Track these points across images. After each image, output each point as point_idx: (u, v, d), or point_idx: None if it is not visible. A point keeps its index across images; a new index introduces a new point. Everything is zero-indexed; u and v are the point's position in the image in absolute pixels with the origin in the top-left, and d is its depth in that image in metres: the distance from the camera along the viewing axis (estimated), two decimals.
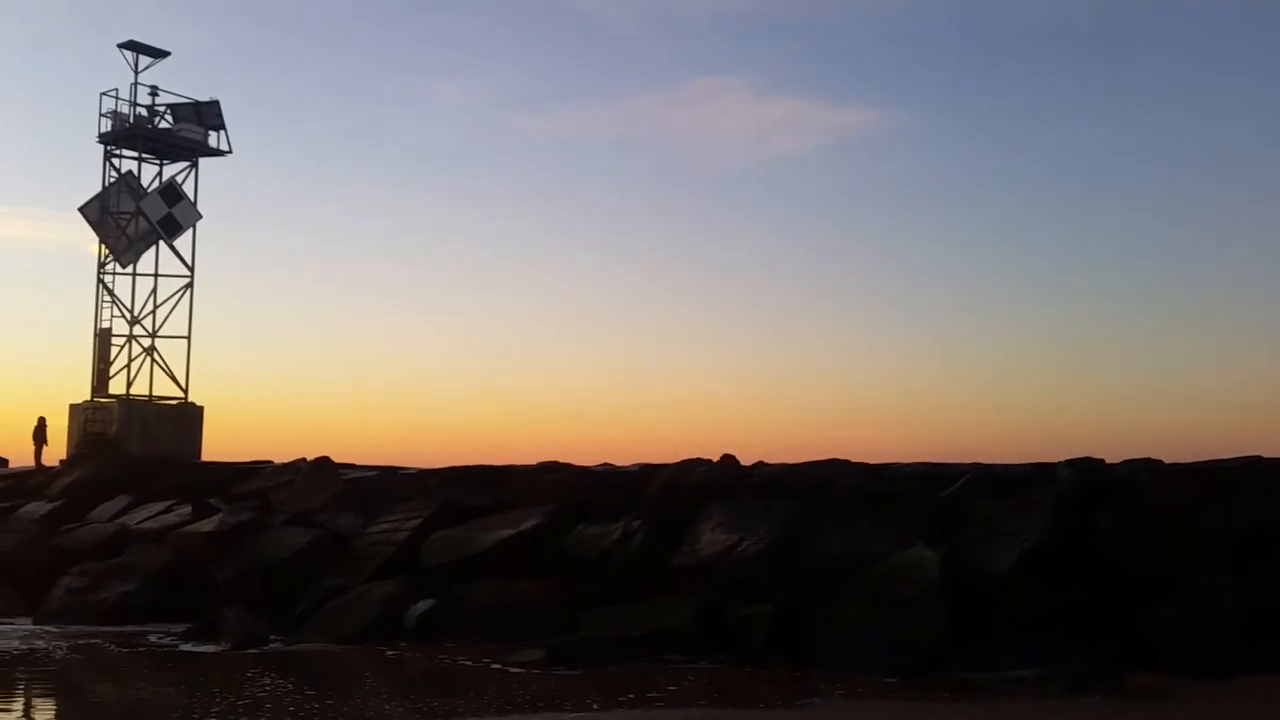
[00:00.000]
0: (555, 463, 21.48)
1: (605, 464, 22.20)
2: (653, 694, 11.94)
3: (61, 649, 15.76)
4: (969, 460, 17.91)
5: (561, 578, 16.30)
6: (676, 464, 18.90)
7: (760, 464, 18.89)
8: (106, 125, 30.36)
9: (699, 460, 18.81)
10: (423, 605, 16.26)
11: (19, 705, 12.87)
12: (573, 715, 11.01)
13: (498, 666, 13.78)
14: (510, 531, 17.50)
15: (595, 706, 11.42)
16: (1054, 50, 62.02)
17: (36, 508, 23.41)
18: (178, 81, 37.85)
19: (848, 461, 17.91)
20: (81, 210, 30.35)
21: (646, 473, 19.64)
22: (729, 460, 18.95)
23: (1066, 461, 15.84)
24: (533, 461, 21.61)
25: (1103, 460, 15.98)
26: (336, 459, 24.13)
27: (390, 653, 15.04)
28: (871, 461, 18.22)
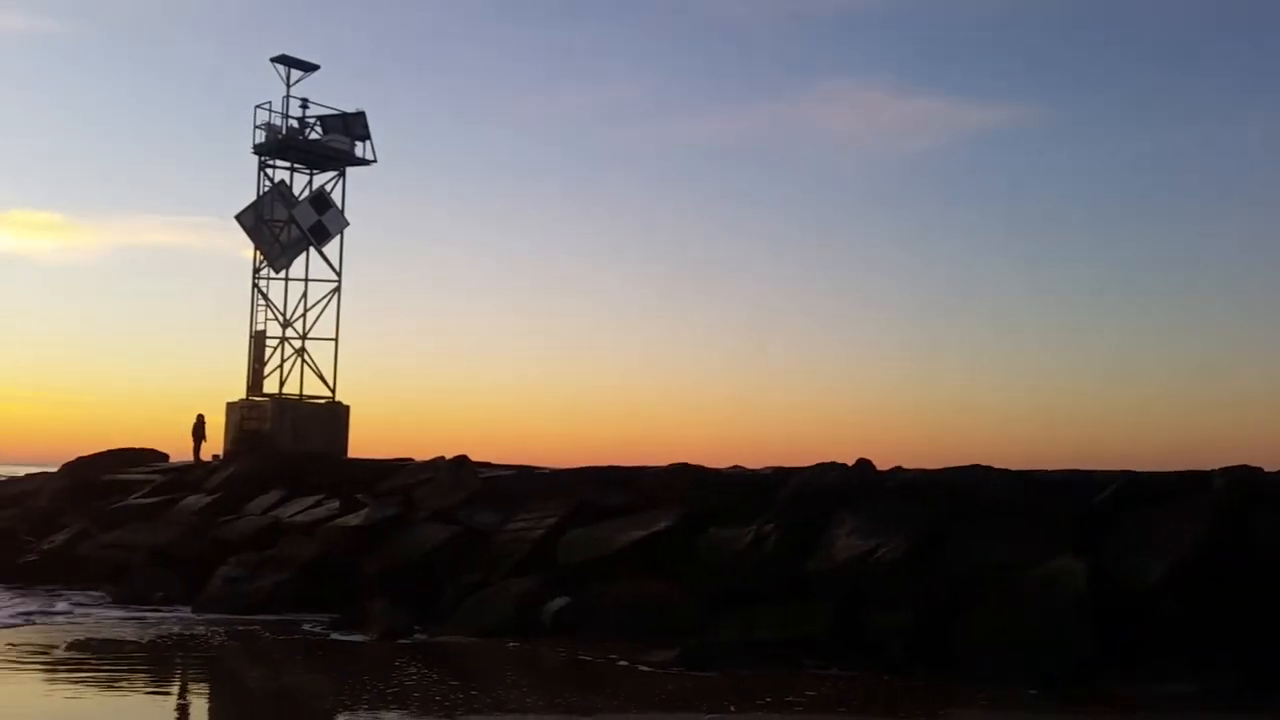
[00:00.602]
0: (686, 464, 21.57)
1: (736, 466, 22.21)
2: (790, 698, 11.89)
3: (219, 635, 16.63)
4: (1113, 468, 17.32)
5: (693, 579, 16.36)
6: (810, 467, 18.77)
7: (897, 469, 18.61)
8: (260, 137, 31.90)
9: (833, 464, 18.64)
10: (558, 602, 16.55)
11: (179, 687, 13.67)
12: (710, 717, 11.03)
13: (632, 665, 13.91)
14: (643, 532, 17.66)
15: (732, 709, 11.43)
16: (1198, 41, 59.26)
17: (195, 500, 24.67)
18: (326, 93, 39.52)
19: (990, 468, 17.48)
20: (238, 218, 31.95)
21: (779, 476, 19.55)
22: (864, 464, 18.73)
23: (1221, 470, 15.16)
24: (663, 463, 21.80)
25: (1260, 468, 15.24)
26: (474, 458, 24.78)
27: (527, 648, 15.35)
28: (1014, 468, 17.77)
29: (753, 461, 22.16)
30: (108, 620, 17.90)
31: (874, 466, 18.85)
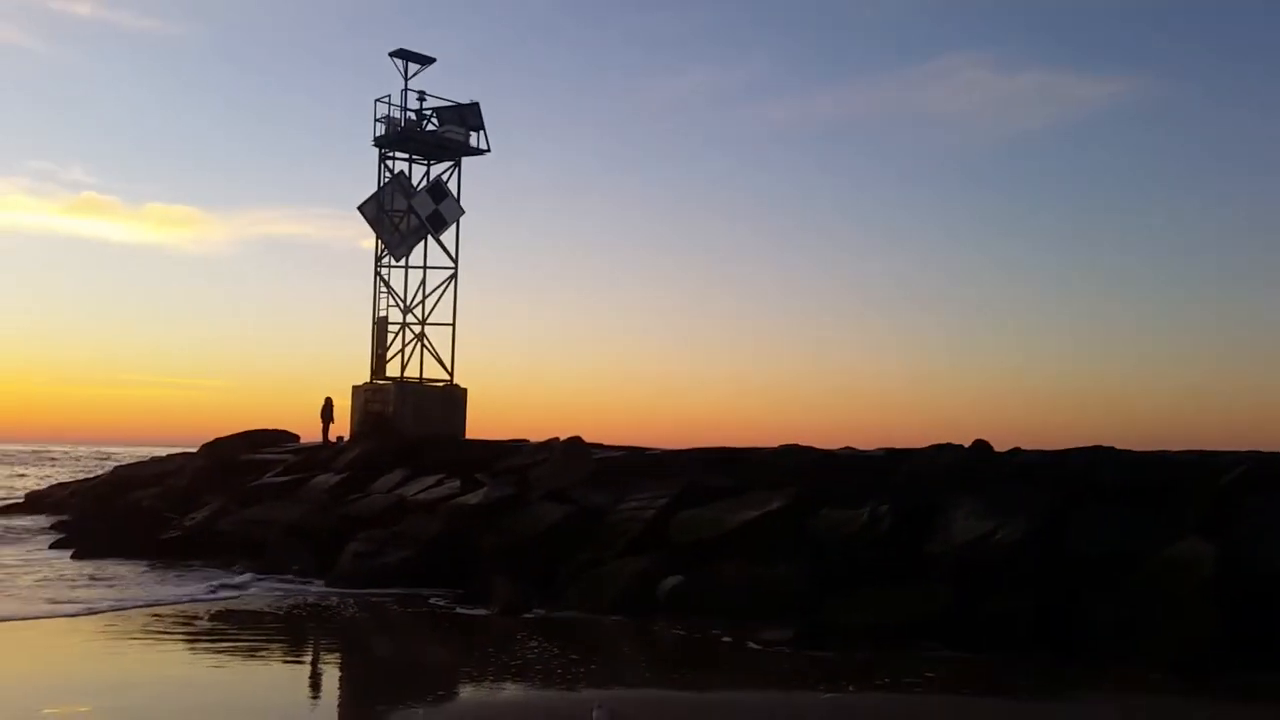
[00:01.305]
0: (796, 445, 21.59)
1: (847, 448, 22.13)
2: (908, 679, 11.89)
3: (351, 607, 17.41)
4: (1239, 448, 16.74)
5: (806, 560, 16.42)
6: (925, 449, 18.62)
7: (1016, 450, 18.31)
8: (380, 130, 32.91)
9: (949, 445, 18.45)
10: (672, 581, 16.81)
11: (313, 654, 14.39)
12: (827, 695, 11.13)
13: (746, 643, 14.07)
14: (755, 513, 17.77)
15: (850, 689, 11.50)
16: None
17: (325, 479, 25.72)
18: (442, 85, 40.51)
19: (1112, 449, 17.07)
20: (360, 209, 33.04)
21: (892, 458, 19.43)
22: (981, 446, 18.48)
23: None
24: (773, 444, 21.85)
25: None
26: (586, 439, 25.22)
27: (642, 625, 15.65)
28: (1137, 449, 17.33)
29: (865, 443, 22.06)
30: (266, 593, 18.84)
31: (991, 448, 18.58)
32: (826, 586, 15.60)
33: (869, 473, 18.53)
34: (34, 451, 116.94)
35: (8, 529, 27.95)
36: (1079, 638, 13.23)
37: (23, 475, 63.79)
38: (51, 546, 24.54)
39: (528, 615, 16.46)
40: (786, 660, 13.06)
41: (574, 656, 13.26)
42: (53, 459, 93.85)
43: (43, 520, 29.93)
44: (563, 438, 25.11)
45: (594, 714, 9.14)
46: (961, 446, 18.56)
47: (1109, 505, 14.95)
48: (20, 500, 38.18)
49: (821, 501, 17.51)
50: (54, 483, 45.11)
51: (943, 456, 18.06)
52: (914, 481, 17.27)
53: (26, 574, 20.41)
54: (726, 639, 14.37)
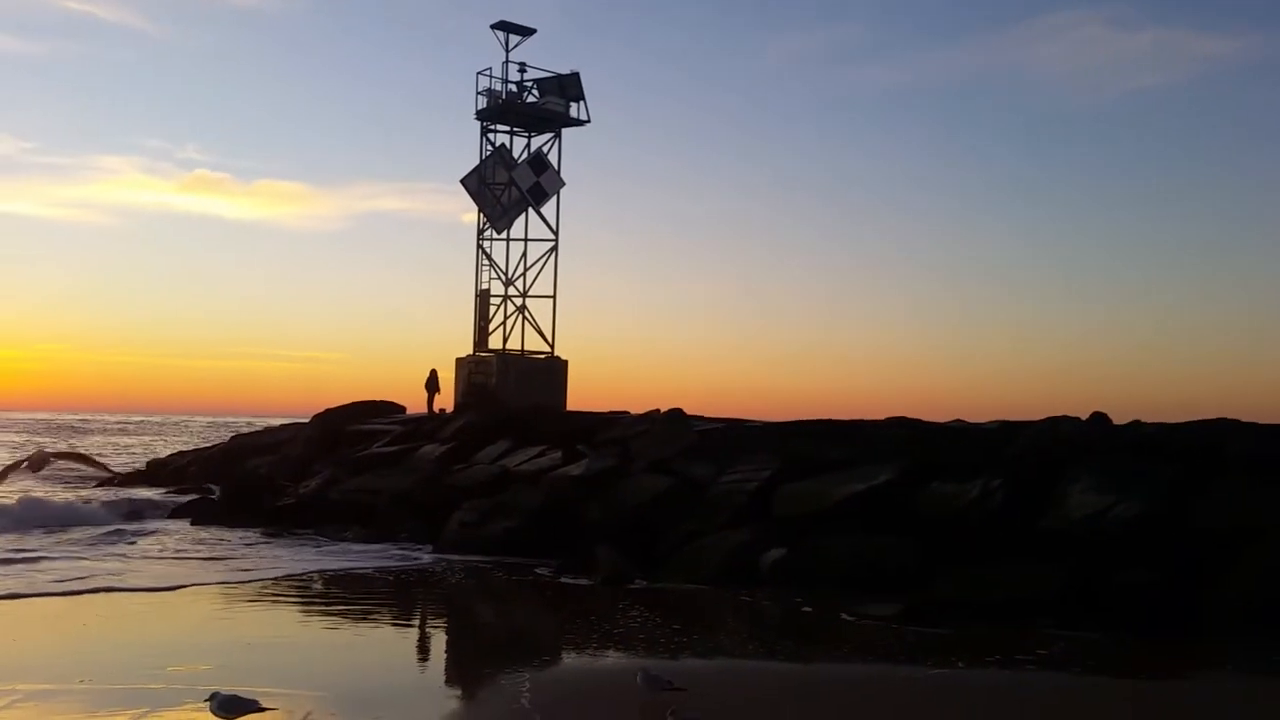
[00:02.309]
0: (904, 418, 21.14)
1: (958, 420, 21.59)
2: (1020, 656, 11.55)
3: (457, 574, 17.70)
4: None
5: (913, 534, 16.07)
6: (1040, 422, 18.03)
7: (1135, 423, 17.61)
8: (482, 103, 33.17)
9: (1065, 418, 17.82)
10: (775, 553, 16.63)
11: (421, 619, 14.66)
12: (936, 671, 10.87)
13: (851, 618, 13.86)
14: (862, 486, 17.47)
15: (960, 665, 11.22)
16: None
17: (431, 449, 26.17)
18: (542, 56, 40.61)
19: (1238, 422, 16.26)
20: (463, 182, 33.43)
21: (1005, 430, 18.88)
22: (1099, 418, 17.82)
23: None
24: (880, 417, 21.44)
25: None
26: (687, 411, 25.15)
27: (745, 597, 15.54)
28: (1265, 422, 16.47)
29: (976, 416, 21.49)
30: (375, 559, 19.29)
31: (1109, 420, 17.89)
32: (935, 562, 15.23)
33: (980, 446, 18.03)
34: (157, 422, 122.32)
35: (131, 498, 29.21)
36: (1201, 616, 12.68)
37: (148, 443, 66.70)
38: (170, 515, 25.51)
39: (629, 586, 16.49)
40: (892, 635, 12.80)
41: (675, 626, 13.22)
42: (173, 429, 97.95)
43: (161, 489, 31.15)
44: (664, 410, 25.09)
45: (638, 677, 9.11)
46: (1078, 419, 17.91)
47: (1233, 479, 14.24)
48: (142, 468, 39.86)
49: (931, 475, 17.10)
50: (174, 451, 46.99)
51: (1058, 429, 17.46)
52: (1028, 455, 16.72)
53: (148, 541, 21.26)
54: (831, 613, 14.16)
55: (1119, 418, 18.03)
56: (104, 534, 21.83)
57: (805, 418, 22.96)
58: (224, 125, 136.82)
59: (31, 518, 23.12)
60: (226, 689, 8.28)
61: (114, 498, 28.06)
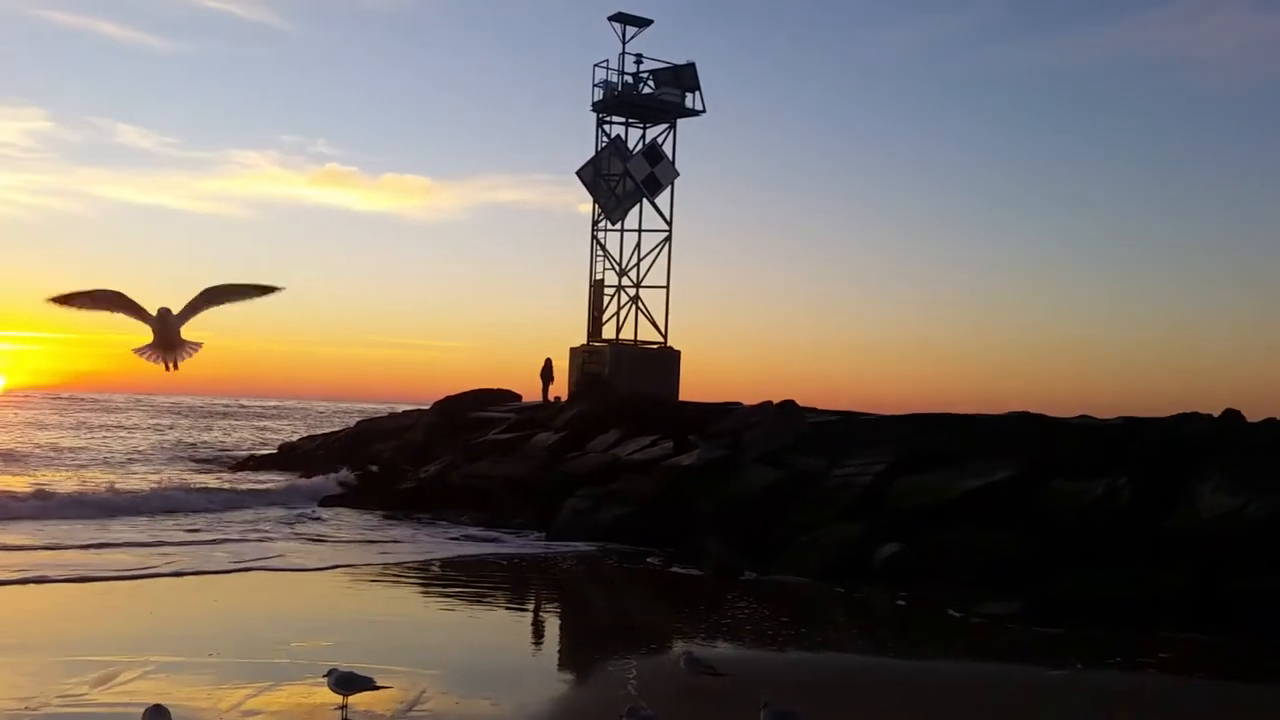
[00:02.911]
0: (1025, 413, 20.55)
1: (1082, 416, 20.87)
2: (1142, 659, 11.16)
3: (568, 560, 17.98)
4: None
5: (1033, 532, 15.63)
6: (1168, 419, 17.32)
7: (1270, 420, 16.76)
8: (598, 95, 33.43)
9: (1194, 415, 17.08)
10: (889, 548, 16.40)
11: (534, 603, 14.94)
12: (1055, 673, 10.57)
13: (966, 615, 13.59)
14: (980, 481, 17.07)
15: (1078, 665, 10.91)
16: None
17: (545, 437, 26.57)
18: (658, 47, 40.70)
19: None
20: (579, 174, 33.79)
21: (1131, 426, 18.19)
22: (1232, 416, 17.02)
23: None
24: (1000, 411, 20.89)
25: None
26: (800, 403, 24.91)
27: (857, 592, 15.38)
28: None
29: (1101, 411, 20.73)
30: (490, 543, 19.77)
31: (1243, 418, 17.07)
32: (1056, 560, 14.80)
33: (1105, 442, 17.41)
34: (288, 407, 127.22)
35: (257, 480, 30.49)
36: None
37: (281, 427, 69.48)
38: (321, 503, 26.46)
39: (739, 577, 16.48)
40: (1010, 634, 12.51)
41: (784, 619, 13.18)
42: (303, 414, 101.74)
43: (293, 473, 32.37)
44: (776, 401, 24.93)
45: (680, 660, 9.25)
46: (1209, 416, 17.14)
47: None
48: (274, 451, 41.55)
49: (1053, 472, 16.61)
50: (303, 435, 48.81)
51: (1188, 427, 16.74)
52: (1155, 453, 16.08)
53: (277, 522, 22.16)
54: (945, 610, 13.91)
55: (1253, 415, 17.21)
56: (249, 518, 22.81)
57: (922, 411, 22.56)
58: (353, 120, 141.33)
59: (185, 503, 24.22)
60: (345, 666, 8.61)
61: (257, 485, 29.28)
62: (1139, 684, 10.21)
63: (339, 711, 8.33)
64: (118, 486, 26.81)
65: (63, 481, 28.57)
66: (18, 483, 27.33)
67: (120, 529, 19.85)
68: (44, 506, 22.12)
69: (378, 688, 8.40)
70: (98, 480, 29.27)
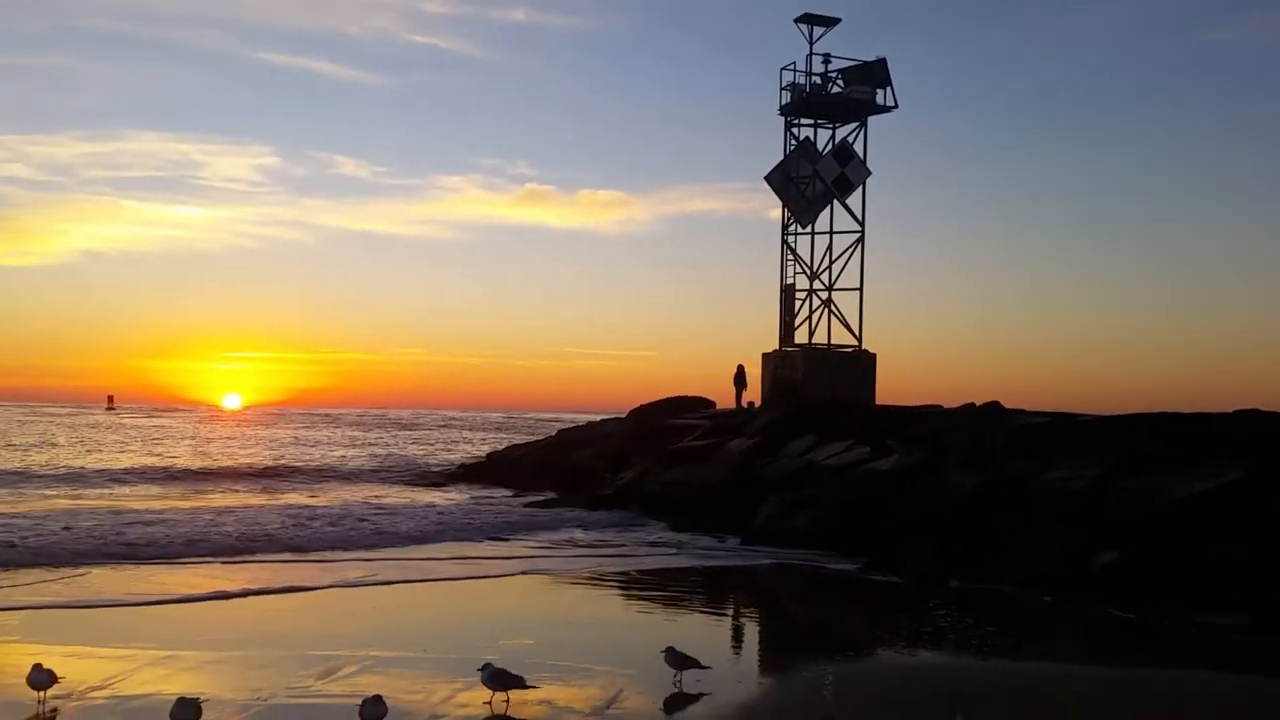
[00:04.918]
0: (1255, 410, 19.04)
1: None
2: None
3: (763, 565, 17.91)
4: None
5: (1267, 538, 14.45)
6: None
7: None
8: (786, 98, 33.21)
9: None
10: (1106, 556, 15.53)
11: (731, 608, 14.96)
12: None
13: (1189, 626, 12.75)
14: (1206, 485, 15.95)
15: None
16: None
17: (739, 444, 26.58)
18: (847, 45, 40.09)
19: None
20: (767, 179, 33.65)
21: None
22: None
23: None
24: (1225, 409, 19.45)
25: None
26: (1006, 404, 23.97)
27: (1069, 601, 14.64)
28: None
29: None
30: (686, 548, 19.98)
31: None
32: None
33: None
34: (495, 419, 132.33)
35: (469, 490, 31.72)
36: None
37: (485, 437, 72.34)
38: (499, 499, 27.51)
39: (940, 585, 15.98)
40: (1237, 647, 11.64)
41: (990, 629, 12.70)
42: (506, 425, 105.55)
43: (508, 489, 33.51)
44: (978, 403, 24.06)
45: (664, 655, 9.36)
46: None
47: None
48: (483, 459, 43.30)
49: None
50: (510, 444, 50.65)
51: None
52: None
53: (481, 529, 23.04)
54: (1167, 621, 13.08)
55: None
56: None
57: (1139, 411, 21.25)
58: (549, 140, 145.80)
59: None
60: (499, 662, 8.92)
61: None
62: None
63: (486, 705, 8.60)
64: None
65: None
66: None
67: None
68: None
69: (528, 686, 8.65)
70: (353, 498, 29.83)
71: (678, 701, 8.99)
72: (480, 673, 8.69)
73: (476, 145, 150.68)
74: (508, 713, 8.57)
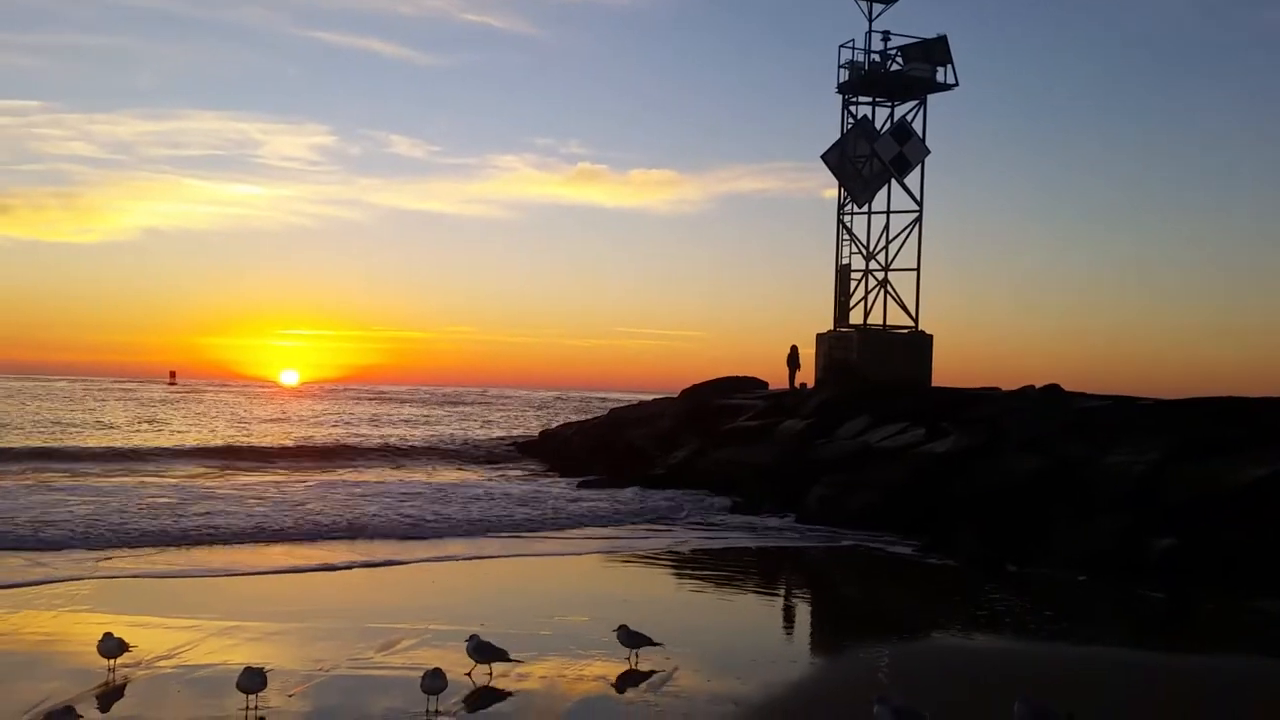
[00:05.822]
0: None
1: None
2: None
3: (816, 546, 17.89)
4: None
5: None
6: None
7: None
8: (844, 76, 32.86)
9: None
10: (1165, 542, 15.31)
11: (784, 588, 14.97)
12: None
13: (1250, 612, 12.53)
14: (1266, 470, 15.65)
15: None
16: None
17: (793, 424, 26.51)
18: (907, 23, 39.53)
19: None
20: (824, 158, 33.38)
21: None
22: None
23: None
24: None
25: None
26: (1066, 387, 23.65)
27: (1126, 586, 14.45)
28: None
29: None
30: (738, 528, 20.02)
31: None
32: None
33: None
34: (546, 397, 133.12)
35: (522, 467, 31.96)
36: None
37: (537, 415, 72.86)
38: (552, 477, 27.70)
39: (997, 568, 15.85)
40: None
41: (1047, 613, 12.59)
42: (557, 403, 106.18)
43: (540, 462, 33.77)
44: (1038, 385, 23.77)
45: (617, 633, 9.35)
46: None
47: None
48: (535, 437, 43.63)
49: None
50: (561, 422, 50.95)
51: None
52: None
53: (536, 506, 23.26)
54: (1224, 607, 12.90)
55: None
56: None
57: (1201, 395, 20.87)
58: (602, 120, 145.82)
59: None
60: (485, 634, 9.05)
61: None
62: None
63: (466, 676, 8.73)
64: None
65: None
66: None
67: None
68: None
69: (511, 660, 8.82)
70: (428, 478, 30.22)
71: (729, 680, 9.03)
72: (466, 644, 8.86)
73: (529, 124, 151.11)
74: (562, 686, 8.70)
